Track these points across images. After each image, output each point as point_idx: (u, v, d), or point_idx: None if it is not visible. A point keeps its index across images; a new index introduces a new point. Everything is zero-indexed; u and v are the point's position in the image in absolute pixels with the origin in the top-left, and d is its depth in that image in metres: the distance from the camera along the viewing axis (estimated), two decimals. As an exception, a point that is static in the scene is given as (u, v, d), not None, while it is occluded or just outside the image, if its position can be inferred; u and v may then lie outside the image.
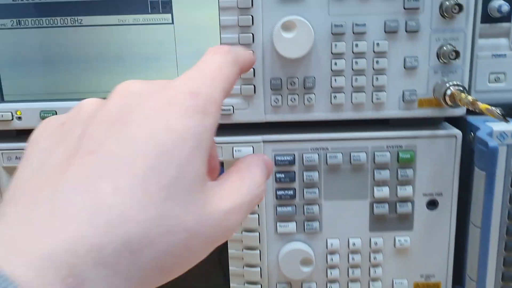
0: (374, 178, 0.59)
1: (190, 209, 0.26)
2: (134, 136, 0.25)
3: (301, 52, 0.53)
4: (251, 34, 0.55)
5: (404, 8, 0.54)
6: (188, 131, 0.26)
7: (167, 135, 0.26)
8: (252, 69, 0.56)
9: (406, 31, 0.55)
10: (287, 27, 0.53)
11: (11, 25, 0.56)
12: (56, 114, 0.58)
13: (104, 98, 0.30)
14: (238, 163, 0.33)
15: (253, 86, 0.57)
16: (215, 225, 0.27)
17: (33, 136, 0.31)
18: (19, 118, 0.58)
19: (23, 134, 0.62)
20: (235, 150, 0.59)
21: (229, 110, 0.57)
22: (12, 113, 0.58)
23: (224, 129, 0.61)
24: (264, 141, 0.59)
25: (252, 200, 0.30)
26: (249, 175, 0.31)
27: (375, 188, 0.59)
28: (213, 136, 0.29)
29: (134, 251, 0.23)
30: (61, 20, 0.56)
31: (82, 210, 0.23)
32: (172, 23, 0.56)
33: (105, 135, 0.26)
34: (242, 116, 0.58)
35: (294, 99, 0.57)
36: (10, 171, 0.61)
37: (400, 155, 0.58)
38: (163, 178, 0.25)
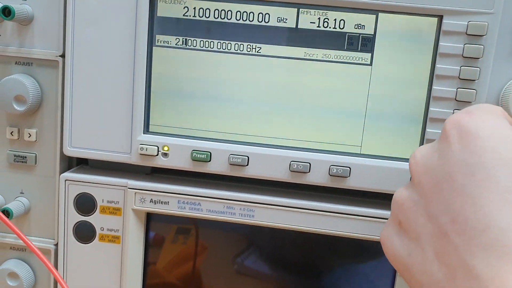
0: None
1: None
2: None
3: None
4: (474, 91, 0.44)
5: None
6: None
7: None
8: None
9: None
10: (529, 87, 0.42)
11: (176, 44, 0.47)
12: (211, 156, 0.47)
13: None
14: None
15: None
16: None
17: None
18: (165, 154, 0.48)
19: (157, 172, 0.52)
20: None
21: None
22: (158, 148, 0.48)
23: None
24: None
25: None
26: None
27: None
28: None
29: None
30: (236, 46, 0.46)
31: None
32: (370, 64, 0.45)
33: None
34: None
35: None
36: (140, 215, 0.50)
37: None
38: None
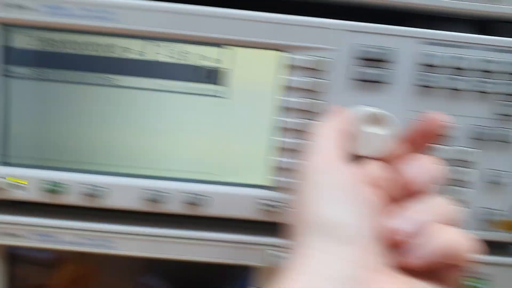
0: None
1: None
2: None
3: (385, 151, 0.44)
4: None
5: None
6: None
7: None
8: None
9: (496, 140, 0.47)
10: (371, 120, 0.44)
11: (31, 75, 0.47)
12: (62, 187, 0.47)
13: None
14: None
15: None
16: None
17: None
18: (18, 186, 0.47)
19: (20, 204, 0.51)
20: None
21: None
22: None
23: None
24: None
25: None
26: None
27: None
28: None
29: None
30: (92, 77, 0.47)
31: None
32: (221, 96, 0.47)
33: None
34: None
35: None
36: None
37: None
38: None
